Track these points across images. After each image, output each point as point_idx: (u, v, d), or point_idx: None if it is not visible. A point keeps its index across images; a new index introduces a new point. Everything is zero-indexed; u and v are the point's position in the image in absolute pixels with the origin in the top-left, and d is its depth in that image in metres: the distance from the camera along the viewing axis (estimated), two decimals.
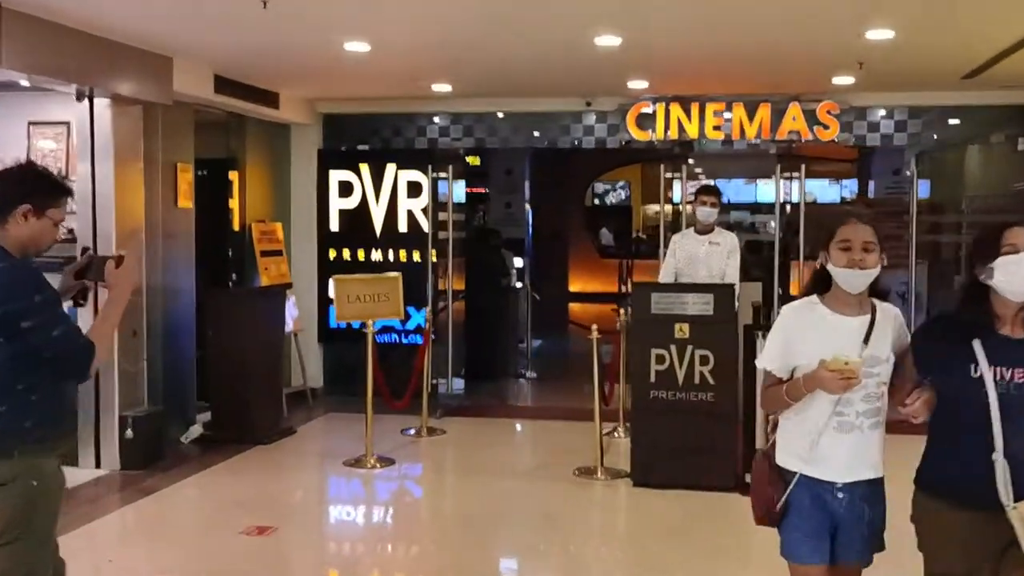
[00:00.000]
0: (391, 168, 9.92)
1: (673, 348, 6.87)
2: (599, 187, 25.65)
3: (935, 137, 9.64)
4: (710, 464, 6.84)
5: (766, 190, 19.17)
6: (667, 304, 6.89)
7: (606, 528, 6.71)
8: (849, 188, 20.78)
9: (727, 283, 7.18)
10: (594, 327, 8.16)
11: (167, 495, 6.83)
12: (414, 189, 9.86)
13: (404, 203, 9.91)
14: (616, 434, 8.28)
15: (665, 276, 7.62)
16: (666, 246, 8.09)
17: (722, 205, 7.79)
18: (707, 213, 7.46)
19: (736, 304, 6.98)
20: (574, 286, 22.77)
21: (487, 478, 7.38)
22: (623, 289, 21.72)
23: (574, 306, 20.84)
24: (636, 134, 9.65)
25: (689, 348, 6.85)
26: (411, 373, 8.54)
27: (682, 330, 6.87)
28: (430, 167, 9.73)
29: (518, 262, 13.14)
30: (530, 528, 6.30)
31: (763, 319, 6.95)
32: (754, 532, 3.58)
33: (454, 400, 9.88)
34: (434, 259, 9.79)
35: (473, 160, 12.73)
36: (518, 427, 9.27)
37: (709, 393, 6.84)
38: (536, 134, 10.20)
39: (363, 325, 7.61)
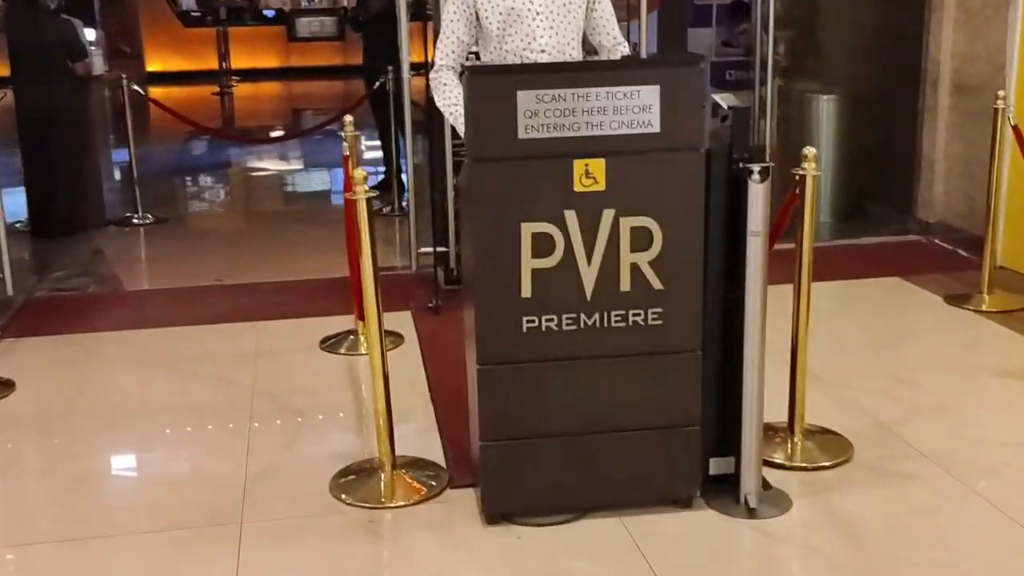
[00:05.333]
0: None
1: (572, 218, 2.94)
2: None
3: None
4: (653, 457, 3.15)
5: None
6: (557, 114, 2.89)
7: None
8: None
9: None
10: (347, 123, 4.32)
11: None
12: None
13: None
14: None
15: (437, 67, 3.53)
16: None
17: None
18: None
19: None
20: (152, 65, 17.57)
21: (127, 543, 3.18)
22: (225, 66, 17.02)
23: (156, 92, 15.85)
24: None
25: (608, 216, 2.96)
26: None
27: (592, 174, 2.95)
28: None
29: (90, 34, 8.28)
30: None
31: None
32: None
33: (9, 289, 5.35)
34: None
35: None
36: (151, 347, 4.92)
37: (652, 311, 3.04)
38: None
39: None
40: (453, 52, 3.47)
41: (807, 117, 7.04)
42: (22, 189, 6.99)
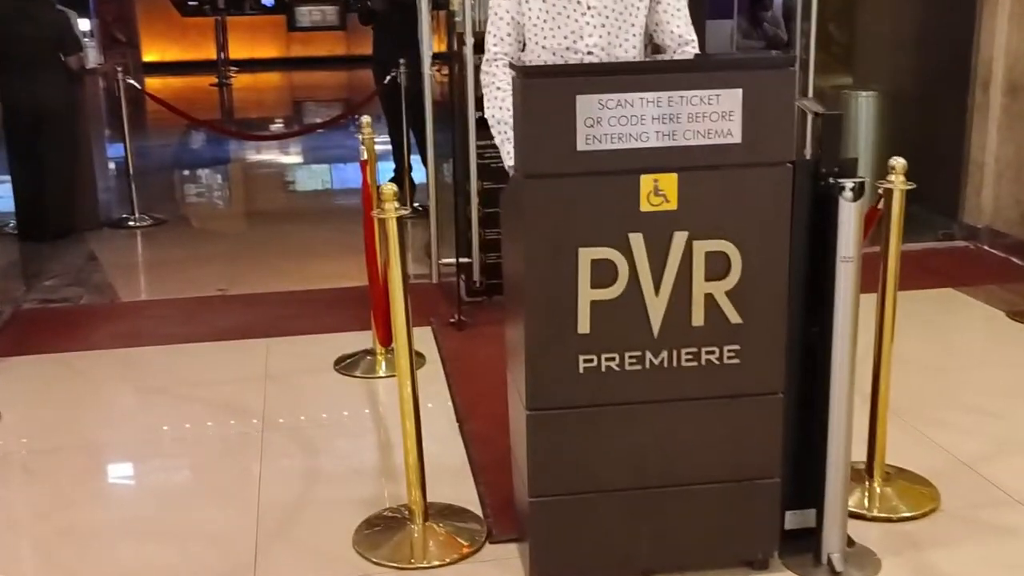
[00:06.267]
0: None
1: (638, 242, 2.54)
2: None
3: None
4: (726, 513, 2.76)
5: None
6: (623, 122, 2.49)
7: None
8: None
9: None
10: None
11: None
12: None
13: None
14: None
15: (490, 57, 3.12)
16: None
17: None
18: None
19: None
20: (149, 55, 17.15)
21: None
22: (223, 56, 16.60)
23: (153, 83, 15.47)
24: None
25: (679, 239, 2.56)
26: None
27: (661, 191, 2.55)
28: None
29: (84, 25, 7.88)
30: None
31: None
32: None
33: None
34: None
35: None
36: (149, 369, 4.51)
37: (728, 349, 2.64)
38: None
39: None
40: (509, 36, 3.05)
41: (844, 116, 6.64)
42: (9, 188, 6.59)
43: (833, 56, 7.27)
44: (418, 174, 7.44)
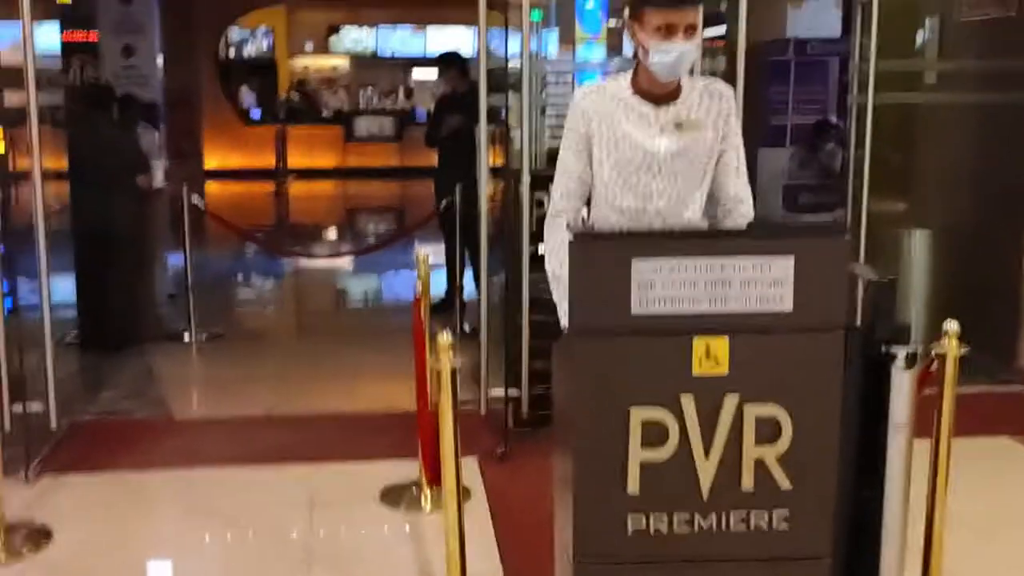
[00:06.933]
0: None
1: (689, 404, 2.56)
2: (235, 34, 20.16)
3: None
4: None
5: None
6: (676, 286, 2.54)
7: None
8: None
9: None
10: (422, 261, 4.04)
11: None
12: None
13: None
14: None
15: (555, 210, 3.19)
16: None
17: None
18: (680, 52, 2.96)
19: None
20: (211, 162, 17.58)
21: None
22: (281, 166, 17.03)
23: (213, 188, 15.85)
24: None
25: (730, 402, 2.57)
26: None
27: (713, 355, 2.57)
28: None
29: (151, 142, 8.13)
30: None
31: None
32: None
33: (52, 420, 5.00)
34: None
35: None
36: (198, 492, 4.55)
37: (779, 513, 2.63)
38: None
39: None
40: (574, 192, 3.14)
41: (896, 251, 6.67)
42: (73, 298, 6.76)
43: (887, 187, 7.29)
44: (469, 288, 7.46)
